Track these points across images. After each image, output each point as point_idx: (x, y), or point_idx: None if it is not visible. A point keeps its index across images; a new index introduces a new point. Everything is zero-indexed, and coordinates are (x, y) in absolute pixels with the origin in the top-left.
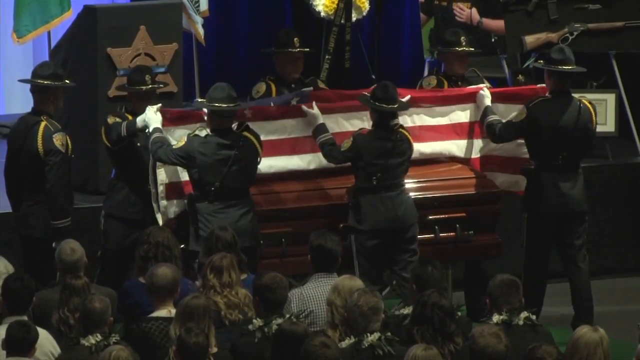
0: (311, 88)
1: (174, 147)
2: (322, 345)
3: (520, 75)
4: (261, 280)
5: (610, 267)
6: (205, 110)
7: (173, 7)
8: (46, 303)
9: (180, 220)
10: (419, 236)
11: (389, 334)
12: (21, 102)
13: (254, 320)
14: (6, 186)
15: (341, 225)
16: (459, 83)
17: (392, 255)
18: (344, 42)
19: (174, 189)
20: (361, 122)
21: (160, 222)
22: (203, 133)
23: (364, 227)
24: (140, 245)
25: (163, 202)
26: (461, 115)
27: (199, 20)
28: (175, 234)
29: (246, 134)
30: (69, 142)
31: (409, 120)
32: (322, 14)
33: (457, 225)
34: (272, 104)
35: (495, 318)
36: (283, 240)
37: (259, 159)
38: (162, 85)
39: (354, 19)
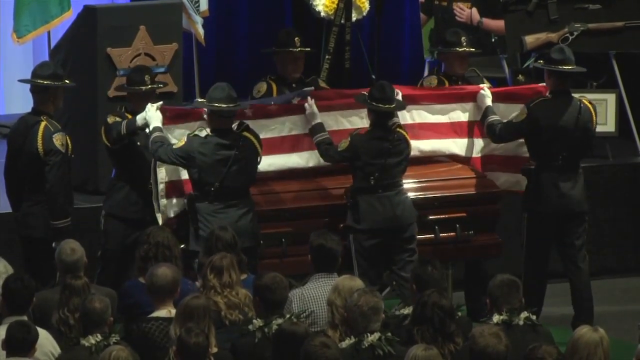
0: (312, 88)
1: (174, 147)
2: (322, 346)
3: (520, 75)
4: (261, 281)
5: (610, 267)
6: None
7: (173, 7)
8: (46, 303)
9: (181, 220)
10: (419, 236)
11: (389, 334)
12: (21, 102)
13: (254, 321)
14: (6, 186)
15: (341, 226)
16: (459, 83)
17: (390, 255)
18: (344, 42)
19: (174, 188)
20: (360, 119)
21: (160, 222)
22: (203, 133)
23: (362, 226)
24: (140, 245)
25: (163, 201)
26: (461, 114)
27: (199, 20)
28: (175, 234)
29: (246, 134)
30: (69, 142)
31: (408, 117)
32: (322, 14)
33: (457, 225)
34: (272, 104)
35: (496, 318)
36: (283, 240)
37: (259, 158)
38: (161, 85)
39: (354, 19)
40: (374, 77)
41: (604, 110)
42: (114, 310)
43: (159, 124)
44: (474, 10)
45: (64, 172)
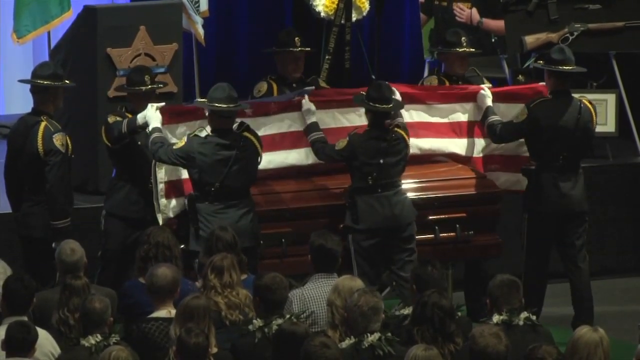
0: (313, 87)
1: (174, 147)
2: (322, 346)
3: (520, 76)
4: (261, 281)
5: (610, 267)
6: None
7: (173, 7)
8: (46, 303)
9: (181, 220)
10: (419, 236)
11: (389, 334)
12: (21, 103)
13: (254, 321)
14: (6, 186)
15: (341, 226)
16: (460, 83)
17: (389, 254)
18: (344, 42)
19: (173, 187)
20: (358, 117)
21: (160, 221)
22: (203, 133)
23: (360, 226)
24: (140, 245)
25: (162, 201)
26: (461, 114)
27: (199, 21)
28: (175, 234)
29: (246, 134)
30: (69, 142)
31: (407, 116)
32: (322, 14)
33: (457, 226)
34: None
35: (496, 318)
36: (283, 240)
37: (259, 159)
38: (161, 86)
39: (354, 19)
40: (373, 77)
41: (604, 110)
42: (114, 311)
43: (159, 125)
44: (474, 10)
45: (64, 172)
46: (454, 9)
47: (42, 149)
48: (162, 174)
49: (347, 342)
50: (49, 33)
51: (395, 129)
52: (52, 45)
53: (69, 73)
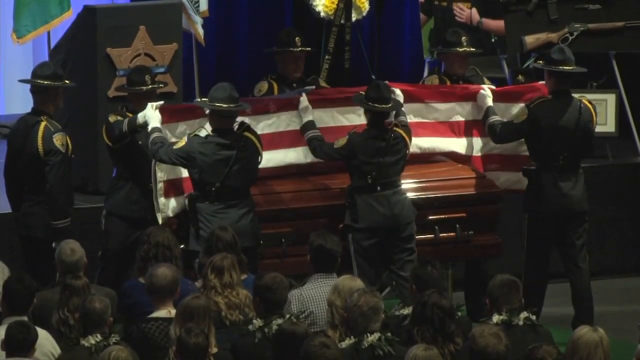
0: (313, 87)
1: (174, 147)
2: (322, 346)
3: (520, 76)
4: (261, 281)
5: (610, 267)
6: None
7: (173, 7)
8: (46, 303)
9: (181, 220)
10: (419, 236)
11: (389, 334)
12: (21, 103)
13: (254, 321)
14: (6, 186)
15: (341, 226)
16: (460, 82)
17: (389, 254)
18: (343, 42)
19: (172, 186)
20: (357, 117)
21: (160, 221)
22: (203, 133)
23: (360, 225)
24: (140, 245)
25: (162, 200)
26: (461, 113)
27: (198, 21)
28: (175, 234)
29: (247, 134)
30: (69, 142)
31: (407, 115)
32: (322, 14)
33: (457, 226)
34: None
35: (495, 318)
36: (283, 240)
37: (259, 158)
38: (162, 85)
39: (353, 19)
40: (373, 77)
41: (604, 110)
42: (113, 311)
43: (158, 125)
44: (474, 10)
45: (64, 172)
46: (453, 9)
47: (42, 148)
48: (161, 173)
49: (347, 342)
50: (48, 33)
51: (395, 128)
52: (52, 45)
53: (69, 73)
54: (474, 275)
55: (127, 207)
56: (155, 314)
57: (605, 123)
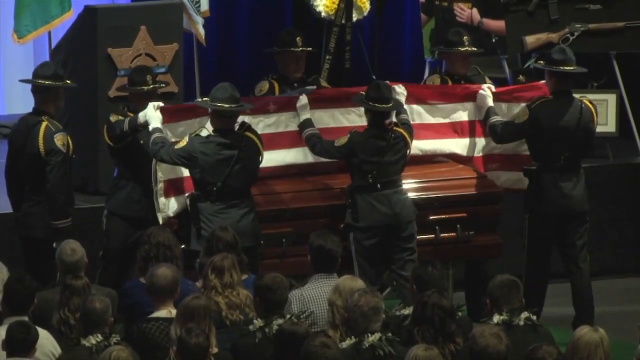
0: (314, 87)
1: (175, 147)
2: (322, 346)
3: (520, 76)
4: (262, 281)
5: (610, 267)
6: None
7: (173, 7)
8: (47, 303)
9: (182, 220)
10: (419, 237)
11: (389, 334)
12: (22, 103)
13: (255, 321)
14: (7, 186)
15: (341, 226)
16: (462, 82)
17: (390, 254)
18: (344, 42)
19: (172, 186)
20: (358, 117)
21: (160, 221)
22: (204, 133)
23: (361, 224)
24: (141, 245)
25: (162, 200)
26: (462, 113)
27: (199, 21)
28: (176, 234)
29: (248, 134)
30: (70, 142)
31: (408, 115)
32: (323, 14)
33: (458, 226)
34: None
35: (496, 318)
36: (283, 240)
37: (260, 158)
38: (163, 85)
39: (354, 19)
40: (374, 77)
41: (604, 110)
42: (114, 311)
43: (159, 125)
44: (475, 10)
45: (65, 172)
46: (454, 9)
47: (43, 148)
48: (161, 173)
49: (347, 342)
50: (49, 33)
51: (395, 127)
52: (53, 45)
53: (70, 73)
54: (474, 275)
55: (129, 207)
56: (156, 314)
57: (606, 123)
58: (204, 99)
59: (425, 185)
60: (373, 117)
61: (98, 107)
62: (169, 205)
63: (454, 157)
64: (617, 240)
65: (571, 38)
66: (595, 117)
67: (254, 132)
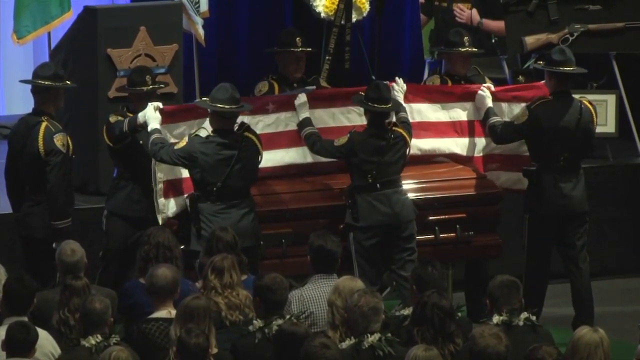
0: (314, 87)
1: (175, 147)
2: (322, 346)
3: (520, 76)
4: (262, 281)
5: (610, 267)
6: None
7: (173, 8)
8: (46, 304)
9: (182, 220)
10: (419, 237)
11: (389, 334)
12: (22, 103)
13: (255, 321)
14: (7, 187)
15: (341, 226)
16: (462, 82)
17: (390, 254)
18: (344, 42)
19: (172, 186)
20: (358, 117)
21: (160, 221)
22: (204, 133)
23: (361, 224)
24: (141, 245)
25: (161, 200)
26: (462, 113)
27: (199, 21)
28: (176, 235)
29: (247, 134)
30: (70, 142)
31: (408, 115)
32: (323, 14)
33: (458, 226)
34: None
35: (496, 319)
36: (283, 241)
37: (259, 158)
38: (162, 86)
39: (354, 19)
40: (374, 77)
41: (604, 111)
42: (114, 311)
43: (158, 125)
44: (474, 11)
45: (65, 173)
46: (454, 9)
47: (43, 149)
48: (161, 173)
49: (347, 343)
50: (49, 33)
51: (395, 127)
52: (53, 45)
53: (70, 73)
54: (474, 275)
55: (129, 207)
56: (156, 315)
57: (606, 124)
58: (204, 99)
59: (425, 185)
60: (372, 117)
61: (98, 107)
62: (168, 206)
63: (453, 157)
64: (617, 240)
65: (571, 38)
66: (594, 117)
67: (253, 133)
